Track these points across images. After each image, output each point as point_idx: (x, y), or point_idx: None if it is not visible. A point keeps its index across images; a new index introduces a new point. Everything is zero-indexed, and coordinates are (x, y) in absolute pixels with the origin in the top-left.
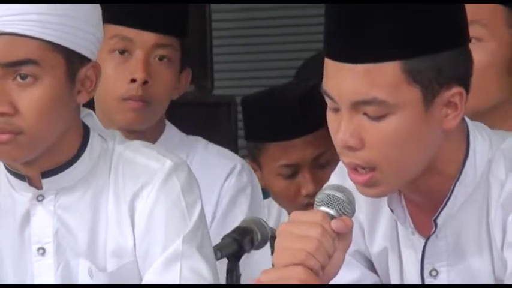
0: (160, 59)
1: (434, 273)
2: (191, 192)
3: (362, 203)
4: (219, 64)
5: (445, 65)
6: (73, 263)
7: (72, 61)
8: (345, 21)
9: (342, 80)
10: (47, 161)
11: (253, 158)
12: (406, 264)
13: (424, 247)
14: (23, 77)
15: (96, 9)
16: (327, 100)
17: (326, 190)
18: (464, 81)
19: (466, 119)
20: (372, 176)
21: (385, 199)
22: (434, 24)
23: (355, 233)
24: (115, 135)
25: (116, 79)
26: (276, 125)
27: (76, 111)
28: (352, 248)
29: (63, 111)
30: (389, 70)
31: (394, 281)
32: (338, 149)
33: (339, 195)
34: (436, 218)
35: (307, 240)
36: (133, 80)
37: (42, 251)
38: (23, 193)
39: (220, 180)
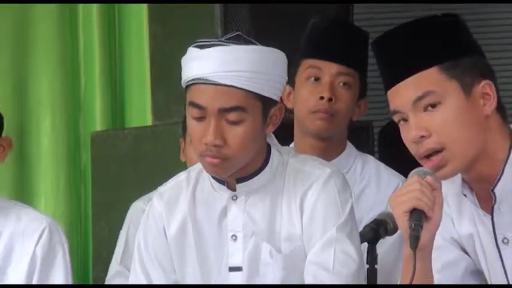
0: (344, 84)
1: (505, 240)
2: (344, 192)
3: (449, 198)
4: None
5: (470, 66)
6: (257, 246)
7: (267, 105)
8: (389, 55)
9: (402, 93)
10: (241, 171)
11: None
12: (484, 240)
13: (493, 221)
14: (231, 120)
15: (284, 61)
16: (396, 117)
17: (413, 171)
18: (489, 76)
19: (510, 124)
20: (443, 157)
21: (464, 198)
22: (455, 40)
23: (448, 223)
24: (290, 151)
25: (309, 98)
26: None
27: (264, 137)
28: (447, 235)
29: (257, 141)
30: (431, 73)
31: (481, 259)
32: (414, 148)
33: (425, 169)
34: (494, 188)
35: (412, 192)
36: (321, 98)
37: (234, 237)
38: (222, 193)
39: (388, 195)
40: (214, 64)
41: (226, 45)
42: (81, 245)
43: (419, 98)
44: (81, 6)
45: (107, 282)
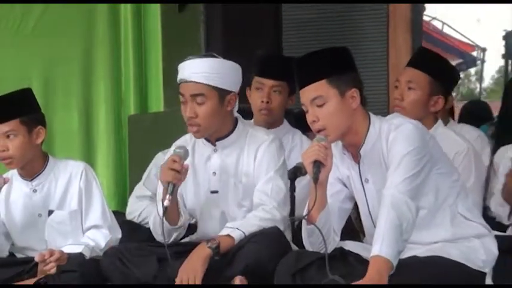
0: (276, 91)
1: (366, 180)
2: (280, 150)
3: (335, 154)
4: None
5: (346, 80)
6: (227, 179)
7: (222, 93)
8: (301, 68)
9: (305, 94)
10: (218, 134)
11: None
12: (355, 180)
13: (359, 169)
14: (198, 101)
15: (233, 66)
16: (304, 107)
17: (315, 138)
18: (357, 85)
19: (370, 113)
20: (325, 133)
21: (344, 155)
22: (339, 63)
23: (335, 169)
24: (250, 124)
25: (257, 101)
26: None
27: (228, 114)
28: (335, 176)
29: (218, 115)
30: (321, 84)
31: (354, 191)
32: (311, 125)
33: (321, 137)
34: (359, 150)
35: (313, 150)
36: (262, 102)
37: (214, 173)
38: (207, 147)
39: (303, 149)
40: (187, 70)
41: (193, 59)
42: (121, 182)
43: (314, 99)
44: (122, 40)
45: (132, 196)
